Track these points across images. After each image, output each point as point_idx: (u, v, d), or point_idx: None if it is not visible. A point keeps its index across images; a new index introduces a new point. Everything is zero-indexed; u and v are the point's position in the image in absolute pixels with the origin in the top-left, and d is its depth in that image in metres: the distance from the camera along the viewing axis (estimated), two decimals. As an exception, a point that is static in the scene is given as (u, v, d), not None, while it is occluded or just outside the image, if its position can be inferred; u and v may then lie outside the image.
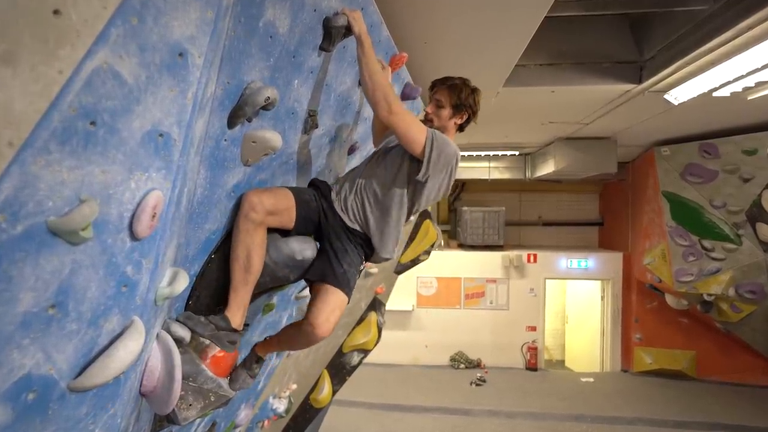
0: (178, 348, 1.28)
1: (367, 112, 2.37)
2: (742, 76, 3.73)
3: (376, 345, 4.63)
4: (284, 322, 2.55)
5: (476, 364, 8.97)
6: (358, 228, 1.80)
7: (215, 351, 1.61)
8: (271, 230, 1.67)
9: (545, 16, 2.74)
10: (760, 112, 5.17)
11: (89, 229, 0.82)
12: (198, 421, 1.96)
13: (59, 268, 0.81)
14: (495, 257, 9.10)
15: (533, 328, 9.03)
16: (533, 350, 8.89)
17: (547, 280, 9.16)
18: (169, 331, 1.33)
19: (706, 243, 6.76)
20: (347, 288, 1.71)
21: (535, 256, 9.11)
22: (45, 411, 0.87)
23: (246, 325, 1.74)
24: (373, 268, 3.80)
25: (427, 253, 5.08)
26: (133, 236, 0.93)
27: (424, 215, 4.89)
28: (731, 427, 6.45)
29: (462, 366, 8.92)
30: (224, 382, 1.55)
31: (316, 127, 1.85)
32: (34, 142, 0.70)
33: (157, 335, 1.26)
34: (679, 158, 6.87)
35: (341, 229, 1.79)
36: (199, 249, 1.50)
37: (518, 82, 4.19)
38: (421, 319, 9.19)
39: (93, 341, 0.94)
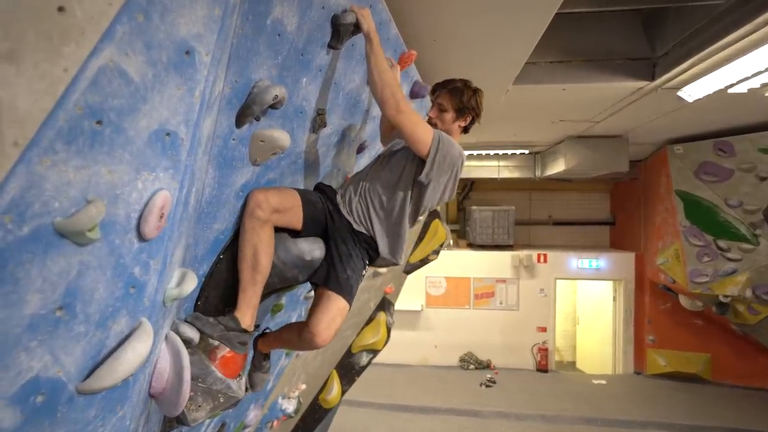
0: (187, 349, 1.27)
1: (376, 110, 2.35)
2: (760, 72, 3.65)
3: (385, 345, 4.61)
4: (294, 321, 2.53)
5: (486, 365, 8.91)
6: (363, 231, 1.79)
7: (224, 352, 1.59)
8: (280, 231, 1.66)
9: (555, 13, 2.70)
10: (778, 109, 5.07)
11: (96, 230, 0.81)
12: (207, 421, 1.95)
13: (66, 270, 0.80)
14: (505, 257, 9.04)
15: (543, 329, 8.96)
16: (544, 351, 8.81)
17: (557, 281, 9.07)
18: (177, 332, 1.32)
19: (722, 243, 6.64)
20: (349, 295, 1.70)
21: (545, 256, 9.03)
22: (54, 414, 0.86)
23: (257, 326, 1.73)
24: (381, 268, 3.78)
25: (436, 252, 5.05)
26: (141, 237, 0.92)
27: (433, 215, 4.86)
28: None
29: (471, 367, 8.87)
30: (233, 383, 1.54)
31: (325, 126, 1.83)
32: (40, 141, 0.69)
33: (166, 336, 1.25)
34: (693, 156, 6.76)
35: (347, 232, 1.78)
36: (208, 249, 1.49)
37: (528, 79, 4.15)
38: (431, 319, 9.16)
39: (101, 343, 0.93)
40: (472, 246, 9.40)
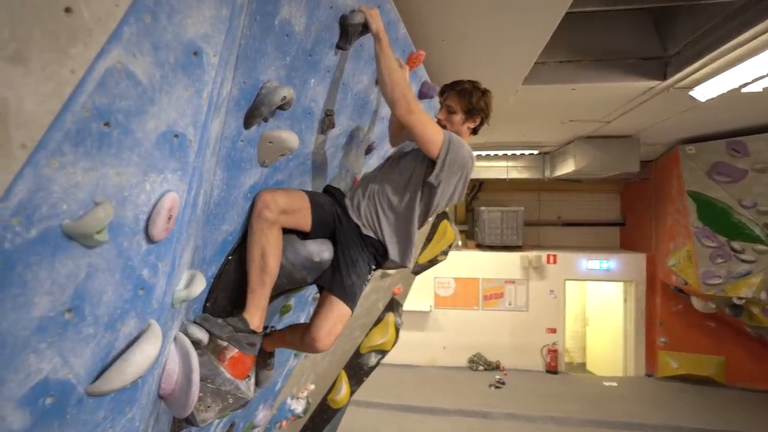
0: (196, 350, 1.27)
1: (384, 111, 2.34)
2: (775, 71, 3.59)
3: (393, 346, 4.60)
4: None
5: (495, 366, 8.86)
6: (372, 234, 1.78)
7: (233, 353, 1.59)
8: (289, 232, 1.65)
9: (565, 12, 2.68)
10: (793, 108, 4.98)
11: (104, 232, 0.81)
12: (216, 422, 1.96)
13: (75, 272, 0.80)
14: (513, 258, 8.99)
15: (553, 330, 8.89)
16: (553, 353, 8.75)
17: (567, 282, 9.00)
18: (186, 333, 1.32)
19: (736, 245, 6.54)
20: (352, 301, 1.71)
21: (554, 256, 8.97)
22: (63, 415, 0.86)
23: (265, 327, 1.73)
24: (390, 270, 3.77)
25: (445, 253, 5.03)
26: (149, 239, 0.92)
27: (442, 215, 4.84)
28: (762, 435, 6.24)
29: (480, 368, 8.83)
30: (242, 384, 1.54)
31: (333, 127, 1.83)
32: (48, 143, 0.69)
33: (175, 338, 1.25)
34: (706, 157, 6.67)
35: (355, 237, 1.77)
36: (216, 250, 1.49)
37: (537, 79, 4.12)
38: (439, 319, 9.13)
39: (110, 345, 0.93)
40: (480, 247, 9.36)
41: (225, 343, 1.52)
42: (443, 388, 7.92)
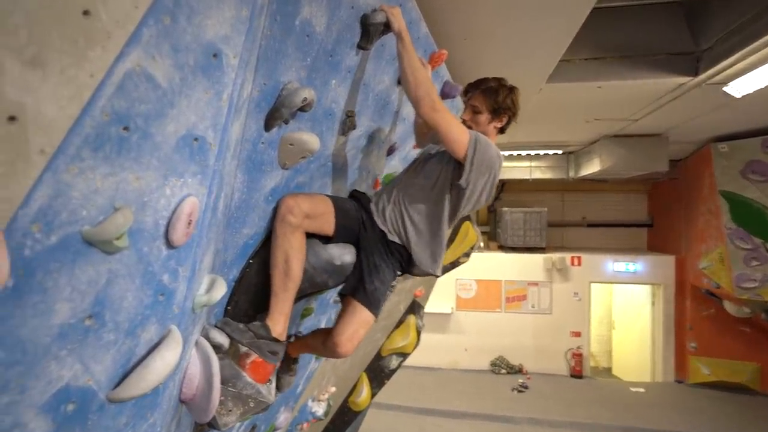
0: (217, 354, 1.26)
1: (406, 111, 2.31)
2: (816, 64, 3.42)
3: (415, 348, 4.57)
4: (322, 327, 2.52)
5: (518, 370, 8.72)
6: (397, 240, 1.74)
7: (254, 357, 1.59)
8: (311, 236, 1.63)
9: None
10: (834, 103, 4.73)
11: (124, 238, 0.80)
12: (238, 424, 1.95)
13: (95, 278, 0.79)
14: (537, 259, 8.83)
15: (578, 334, 8.69)
16: (578, 357, 8.55)
17: (592, 284, 8.78)
18: (207, 338, 1.31)
19: (772, 247, 6.28)
20: (375, 308, 1.69)
21: (579, 258, 8.77)
22: (84, 422, 0.86)
23: (289, 336, 1.72)
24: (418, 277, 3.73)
25: (467, 255, 4.97)
26: (169, 244, 0.91)
27: (464, 217, 4.78)
28: (801, 446, 5.96)
29: (503, 371, 8.70)
30: (264, 388, 1.53)
31: (354, 128, 1.80)
32: (67, 149, 0.67)
33: (196, 342, 1.24)
34: (739, 155, 6.42)
35: (380, 243, 1.74)
36: (237, 254, 1.48)
37: (562, 77, 4.03)
38: (461, 322, 9.03)
39: (131, 351, 0.92)
40: (503, 248, 9.23)
41: (245, 349, 1.51)
42: (465, 392, 7.83)
